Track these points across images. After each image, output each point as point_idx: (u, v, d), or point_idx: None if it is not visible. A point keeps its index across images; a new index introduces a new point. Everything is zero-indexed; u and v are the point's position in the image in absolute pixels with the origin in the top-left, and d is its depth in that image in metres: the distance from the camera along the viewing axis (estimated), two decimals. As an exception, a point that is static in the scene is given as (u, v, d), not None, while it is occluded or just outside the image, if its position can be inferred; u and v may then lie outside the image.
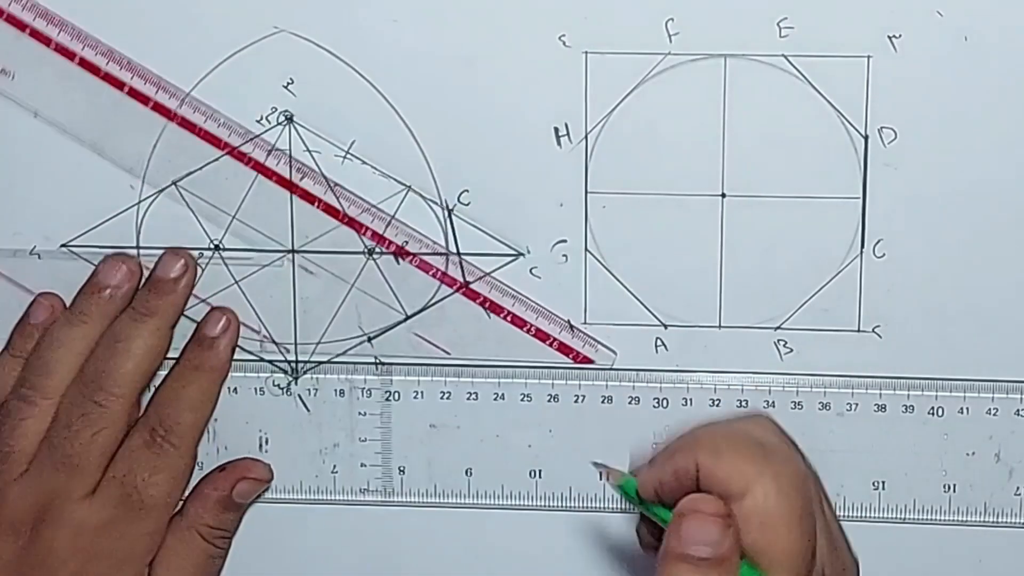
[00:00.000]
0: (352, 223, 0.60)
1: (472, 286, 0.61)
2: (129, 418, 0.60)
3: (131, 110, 0.60)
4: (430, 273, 0.61)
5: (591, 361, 0.61)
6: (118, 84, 0.60)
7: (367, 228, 0.60)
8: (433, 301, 0.61)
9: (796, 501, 0.48)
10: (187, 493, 0.62)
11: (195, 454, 0.61)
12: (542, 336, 0.61)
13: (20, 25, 0.60)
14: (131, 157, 0.61)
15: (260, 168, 0.60)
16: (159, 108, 0.60)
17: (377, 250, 0.61)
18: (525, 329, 0.61)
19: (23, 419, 0.59)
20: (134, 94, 0.60)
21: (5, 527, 0.59)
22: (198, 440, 0.61)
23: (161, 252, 0.61)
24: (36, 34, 0.60)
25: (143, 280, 0.61)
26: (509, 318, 0.61)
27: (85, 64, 0.60)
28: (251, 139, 0.60)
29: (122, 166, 0.61)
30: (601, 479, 0.60)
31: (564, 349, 0.61)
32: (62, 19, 0.60)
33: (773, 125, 0.58)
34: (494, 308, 0.61)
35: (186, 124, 0.60)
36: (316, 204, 0.60)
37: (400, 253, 0.61)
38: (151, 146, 0.60)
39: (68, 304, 0.61)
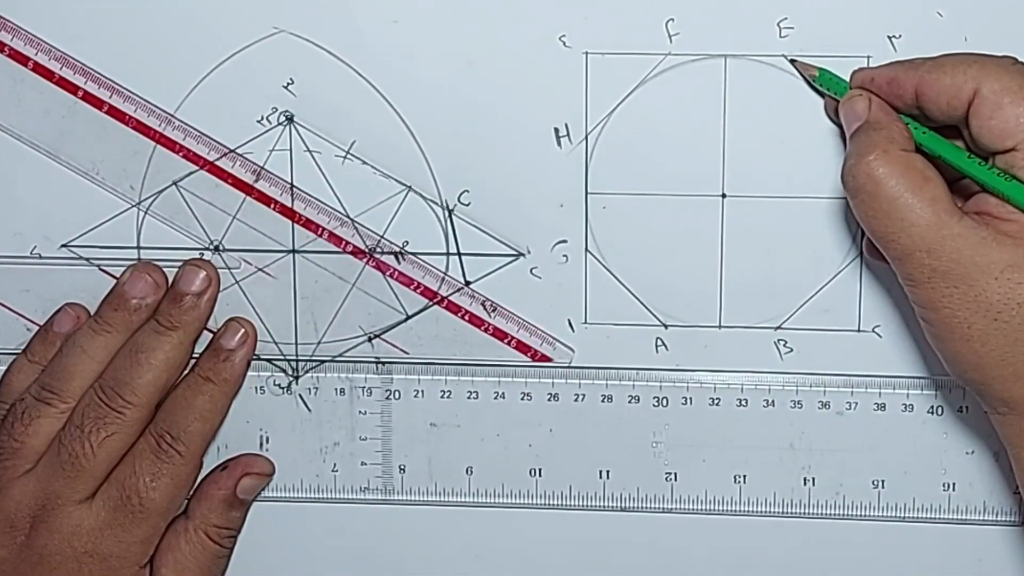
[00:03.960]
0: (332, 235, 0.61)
1: (428, 286, 0.61)
2: (142, 427, 0.60)
3: (117, 130, 0.60)
4: (387, 274, 0.61)
5: (549, 359, 0.61)
6: (97, 103, 0.60)
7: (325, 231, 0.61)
8: (418, 308, 0.61)
9: (1019, 81, 0.50)
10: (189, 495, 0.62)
11: (200, 463, 0.61)
12: (499, 335, 0.61)
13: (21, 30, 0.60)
14: (117, 174, 0.61)
15: (239, 184, 0.60)
16: (141, 128, 0.60)
17: (377, 250, 0.61)
18: (483, 328, 0.61)
19: (37, 418, 0.59)
20: (113, 112, 0.60)
21: (4, 523, 0.59)
22: (204, 449, 0.61)
23: (182, 263, 0.61)
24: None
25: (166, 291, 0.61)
26: (467, 317, 0.61)
27: (61, 81, 0.60)
28: (226, 153, 0.60)
29: (113, 185, 0.61)
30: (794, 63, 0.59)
31: (522, 347, 0.61)
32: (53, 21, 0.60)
33: (773, 125, 0.58)
34: (451, 307, 0.61)
35: (166, 141, 0.60)
36: (277, 207, 0.61)
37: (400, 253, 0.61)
38: (144, 163, 0.61)
39: (91, 313, 0.62)
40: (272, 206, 0.61)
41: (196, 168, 0.61)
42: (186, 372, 0.61)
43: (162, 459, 0.59)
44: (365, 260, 0.61)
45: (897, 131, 0.52)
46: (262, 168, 0.60)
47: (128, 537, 0.59)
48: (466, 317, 0.61)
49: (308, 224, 0.61)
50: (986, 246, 0.50)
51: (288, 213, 0.61)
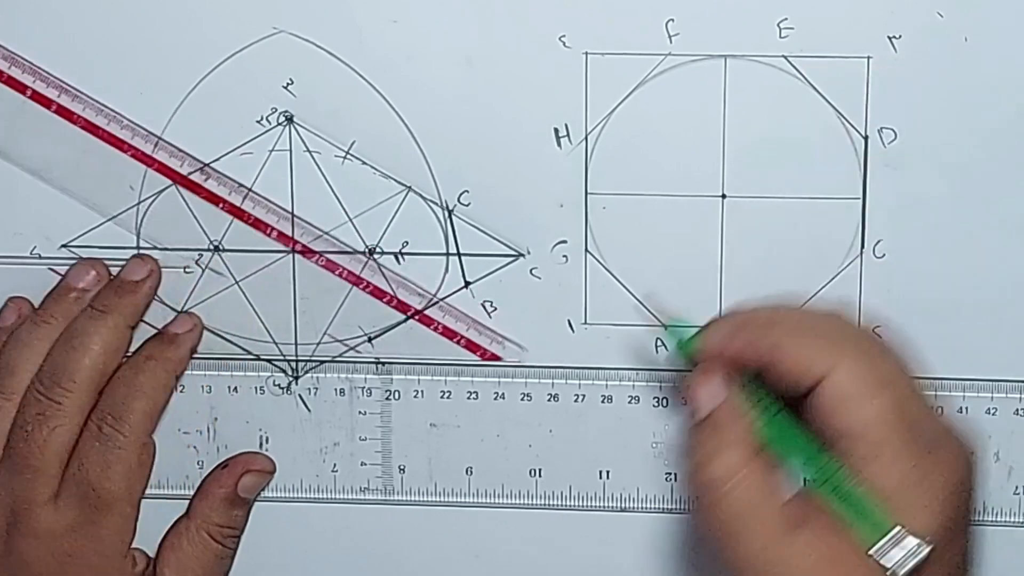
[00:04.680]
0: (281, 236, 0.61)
1: (378, 285, 0.61)
2: (87, 416, 0.59)
3: (116, 130, 0.60)
4: (336, 273, 0.61)
5: (499, 358, 0.61)
6: (93, 130, 0.60)
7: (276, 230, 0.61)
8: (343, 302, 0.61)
9: (874, 375, 0.48)
10: (192, 494, 0.62)
11: (149, 443, 0.60)
12: (449, 334, 0.61)
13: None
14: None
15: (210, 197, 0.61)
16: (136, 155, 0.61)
17: (378, 250, 0.61)
18: (432, 327, 0.61)
19: None
20: (111, 139, 0.60)
21: None
22: (151, 430, 0.60)
23: (130, 257, 0.61)
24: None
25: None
26: (416, 316, 0.61)
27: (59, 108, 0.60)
28: (201, 167, 0.60)
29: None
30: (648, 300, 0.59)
31: (472, 346, 0.61)
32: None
33: (773, 126, 0.58)
34: (401, 307, 0.61)
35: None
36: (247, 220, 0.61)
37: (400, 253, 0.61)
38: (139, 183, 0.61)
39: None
40: (269, 232, 0.61)
41: (196, 168, 0.61)
42: (127, 359, 0.61)
43: (107, 445, 0.58)
44: (365, 260, 0.61)
45: (740, 430, 0.50)
46: (250, 189, 0.60)
47: (100, 531, 0.59)
48: (438, 330, 0.61)
49: (308, 225, 0.61)
50: (816, 571, 0.48)
51: (285, 239, 0.61)
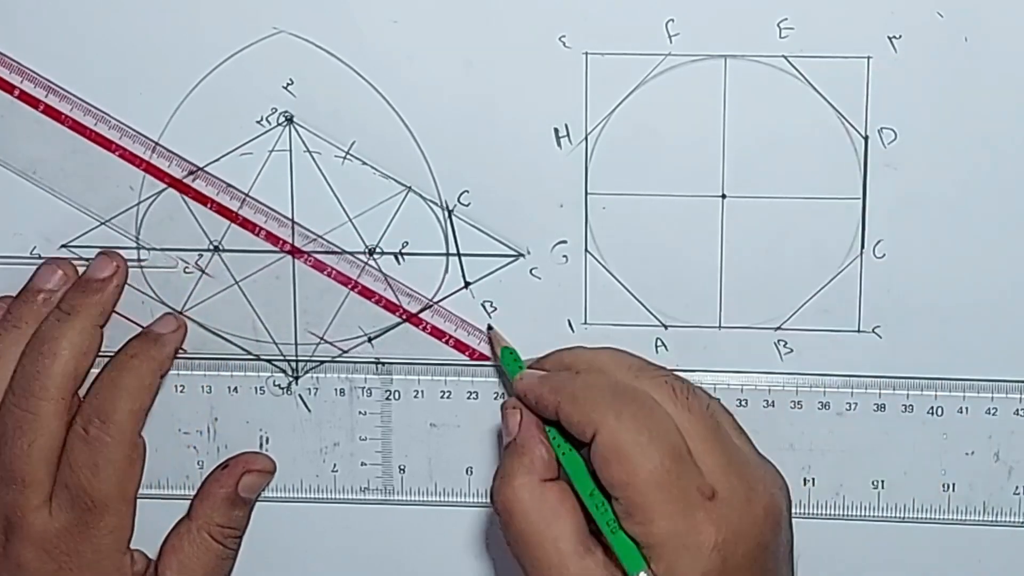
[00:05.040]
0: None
1: (367, 284, 0.61)
2: (66, 419, 0.59)
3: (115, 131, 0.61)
4: (324, 272, 0.61)
5: (487, 358, 0.61)
6: (94, 137, 0.60)
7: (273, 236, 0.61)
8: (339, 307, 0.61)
9: (644, 432, 0.50)
10: (192, 494, 0.62)
11: (137, 443, 0.60)
12: (437, 334, 0.61)
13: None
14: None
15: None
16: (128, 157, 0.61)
17: (378, 250, 0.61)
18: (421, 327, 0.61)
19: None
20: (100, 140, 0.60)
21: None
22: (138, 428, 0.60)
23: (96, 254, 0.61)
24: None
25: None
26: (404, 316, 0.61)
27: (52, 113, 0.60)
28: (195, 171, 0.60)
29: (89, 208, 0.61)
30: (489, 330, 0.61)
31: (460, 347, 0.61)
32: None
33: (773, 126, 0.58)
34: (389, 306, 0.61)
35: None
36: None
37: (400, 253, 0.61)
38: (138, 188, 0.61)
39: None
40: (265, 213, 0.61)
41: (195, 169, 0.60)
42: (108, 360, 0.60)
43: (94, 447, 0.58)
44: (363, 263, 0.61)
45: (539, 456, 0.53)
46: (260, 171, 0.60)
47: (95, 532, 0.59)
48: (403, 316, 0.61)
49: (308, 225, 0.61)
50: None
51: (287, 215, 0.61)
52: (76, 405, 0.60)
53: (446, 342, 0.61)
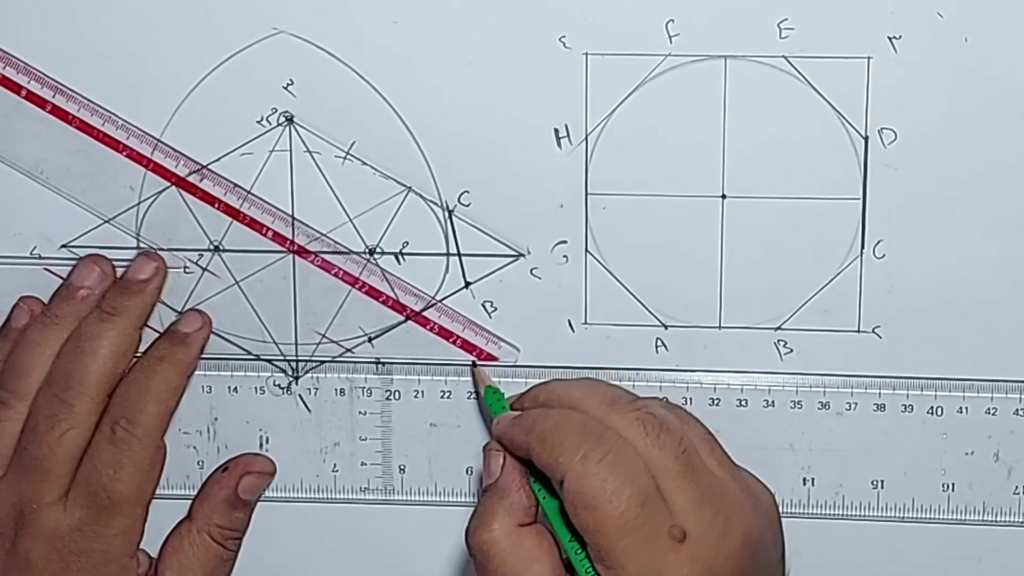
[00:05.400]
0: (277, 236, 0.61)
1: (374, 284, 0.61)
2: (97, 418, 0.59)
3: (116, 131, 0.60)
4: (336, 273, 0.61)
5: (495, 359, 0.61)
6: (89, 131, 0.60)
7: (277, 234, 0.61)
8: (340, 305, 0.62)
9: (609, 477, 0.50)
10: (192, 494, 0.62)
11: (160, 446, 0.60)
12: (445, 334, 0.61)
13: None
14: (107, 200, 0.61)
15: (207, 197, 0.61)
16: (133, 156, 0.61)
17: (378, 250, 0.61)
18: (428, 327, 0.61)
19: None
20: (107, 140, 0.60)
21: None
22: (162, 432, 0.60)
23: (136, 255, 0.61)
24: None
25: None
26: (411, 315, 0.61)
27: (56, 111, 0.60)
28: (198, 169, 0.60)
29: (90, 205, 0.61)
30: (473, 367, 0.61)
31: (467, 347, 0.61)
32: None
33: (773, 126, 0.58)
34: (396, 306, 0.61)
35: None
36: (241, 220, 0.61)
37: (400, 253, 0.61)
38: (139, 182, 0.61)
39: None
40: (269, 212, 0.61)
41: (196, 169, 0.60)
42: (137, 360, 0.61)
43: (120, 447, 0.59)
44: (365, 260, 0.61)
45: (518, 500, 0.53)
46: (260, 171, 0.60)
47: (107, 532, 0.59)
48: (434, 329, 0.61)
49: (307, 225, 0.61)
50: None
51: (288, 215, 0.61)
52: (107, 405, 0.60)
53: (453, 342, 0.61)
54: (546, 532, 0.53)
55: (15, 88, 0.60)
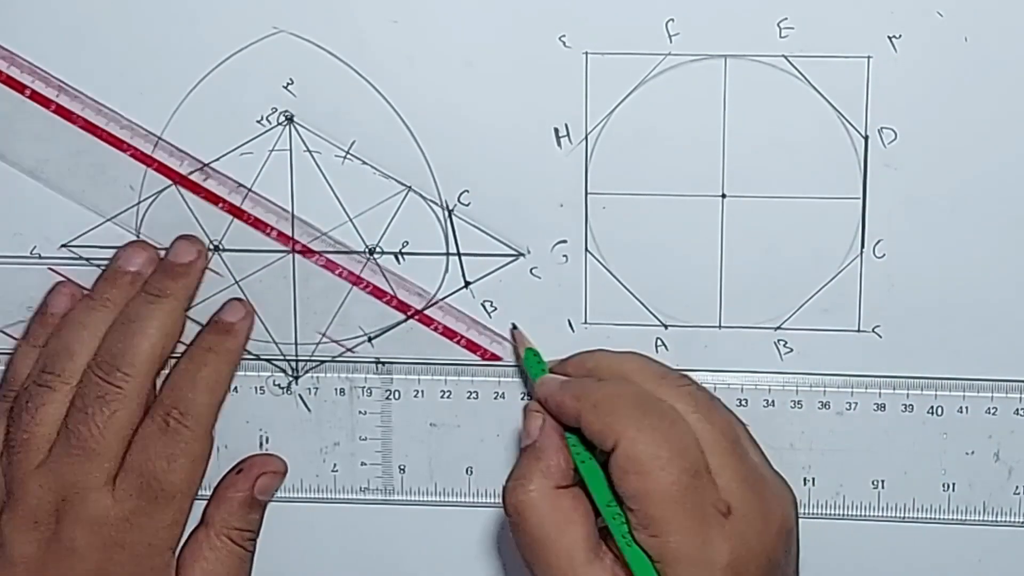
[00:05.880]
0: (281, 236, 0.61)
1: (377, 284, 0.61)
2: (145, 400, 0.59)
3: (117, 130, 0.61)
4: (336, 273, 0.61)
5: (499, 358, 0.61)
6: (92, 129, 0.61)
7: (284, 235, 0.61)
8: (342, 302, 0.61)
9: (663, 446, 0.51)
10: (207, 500, 0.62)
11: (211, 437, 0.60)
12: (449, 334, 0.61)
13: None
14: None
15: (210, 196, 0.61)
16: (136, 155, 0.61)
17: (378, 250, 0.61)
18: (432, 327, 0.61)
19: (42, 405, 0.59)
20: (110, 139, 0.60)
21: (27, 520, 0.58)
22: (213, 423, 0.60)
23: (174, 239, 0.61)
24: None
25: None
26: (416, 316, 0.61)
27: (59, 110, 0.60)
28: (205, 165, 0.60)
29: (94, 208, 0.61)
30: (513, 329, 0.61)
31: (472, 346, 0.61)
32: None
33: (773, 125, 0.58)
34: (400, 307, 0.61)
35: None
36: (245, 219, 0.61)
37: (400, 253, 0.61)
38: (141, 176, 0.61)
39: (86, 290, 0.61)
40: (269, 210, 0.61)
41: (196, 168, 0.61)
42: (184, 351, 0.61)
43: (173, 438, 0.59)
44: (365, 260, 0.61)
45: (556, 464, 0.53)
46: (260, 170, 0.60)
47: (155, 524, 0.59)
48: (439, 330, 0.61)
49: (308, 225, 0.61)
50: None
51: (284, 239, 0.61)
52: (153, 392, 0.60)
53: (457, 342, 0.61)
54: (583, 496, 0.53)
55: (19, 87, 0.60)
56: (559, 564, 0.52)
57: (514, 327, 0.61)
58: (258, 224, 0.61)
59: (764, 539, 0.52)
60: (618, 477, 0.51)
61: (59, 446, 0.58)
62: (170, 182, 0.61)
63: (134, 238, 0.61)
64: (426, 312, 0.61)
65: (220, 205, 0.61)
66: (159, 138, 0.60)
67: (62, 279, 0.62)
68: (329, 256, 0.61)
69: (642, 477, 0.51)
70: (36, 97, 0.60)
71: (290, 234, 0.61)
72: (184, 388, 0.59)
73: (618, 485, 0.51)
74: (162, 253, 0.61)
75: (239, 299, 0.61)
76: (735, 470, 0.52)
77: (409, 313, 0.61)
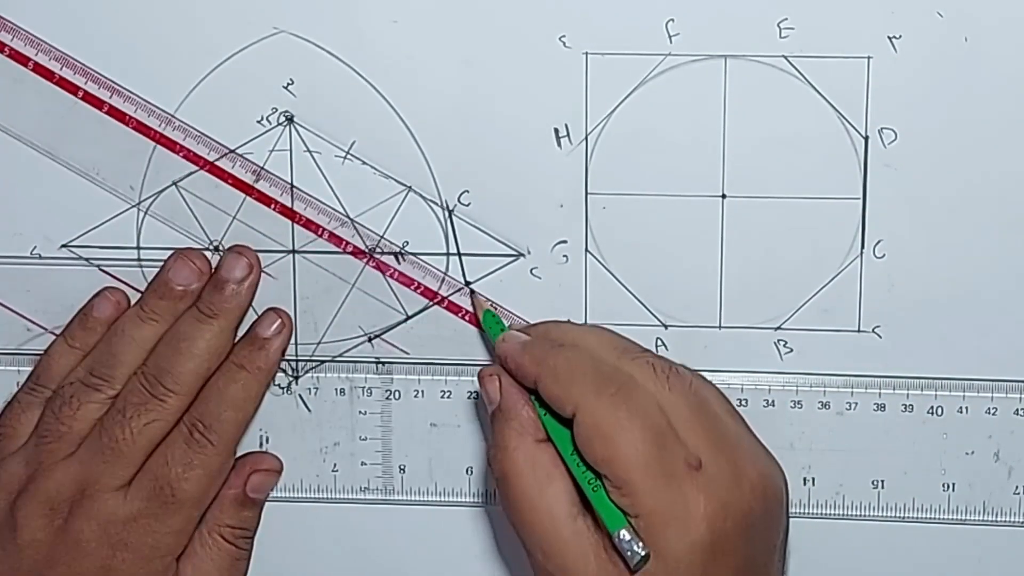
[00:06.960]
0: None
1: (428, 286, 0.61)
2: (181, 416, 0.60)
3: (118, 131, 0.60)
4: (387, 274, 0.61)
5: None
6: (97, 103, 0.60)
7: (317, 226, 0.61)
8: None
9: (623, 409, 0.51)
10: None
11: (233, 452, 0.61)
12: (472, 320, 0.61)
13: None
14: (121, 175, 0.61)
15: (239, 184, 0.61)
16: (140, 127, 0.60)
17: (378, 250, 0.61)
18: (461, 315, 0.61)
19: (85, 403, 0.59)
20: (113, 112, 0.60)
21: (44, 505, 0.59)
22: (238, 439, 0.61)
23: (226, 249, 0.61)
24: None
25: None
26: (467, 316, 0.61)
27: (57, 78, 0.60)
28: (226, 153, 0.60)
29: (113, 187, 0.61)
30: (472, 293, 0.61)
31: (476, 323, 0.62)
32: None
33: (773, 126, 0.58)
34: (451, 307, 0.61)
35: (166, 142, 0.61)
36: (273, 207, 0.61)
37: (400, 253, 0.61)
38: (144, 164, 0.61)
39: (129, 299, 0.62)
40: (272, 206, 0.61)
41: (196, 168, 0.61)
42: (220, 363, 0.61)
43: (194, 449, 0.59)
44: (365, 260, 0.61)
45: (526, 416, 0.54)
46: (262, 168, 0.60)
47: (161, 528, 0.59)
48: (466, 317, 0.61)
49: (308, 224, 0.61)
50: (586, 560, 0.52)
51: (288, 213, 0.61)
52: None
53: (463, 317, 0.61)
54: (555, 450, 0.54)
55: (72, 89, 0.61)
56: (543, 522, 0.52)
57: (472, 292, 0.61)
58: (318, 226, 0.61)
59: (738, 495, 0.51)
60: (583, 445, 0.52)
61: (90, 443, 0.59)
62: (171, 182, 0.61)
63: (134, 237, 0.61)
64: (426, 312, 0.61)
65: (273, 207, 0.61)
66: (159, 138, 0.60)
67: (110, 284, 0.62)
68: (329, 256, 0.61)
69: (606, 443, 0.51)
70: (89, 98, 0.60)
71: (291, 234, 0.61)
72: (211, 403, 0.60)
73: (585, 453, 0.52)
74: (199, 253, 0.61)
75: (276, 308, 0.62)
76: (701, 432, 0.52)
77: (436, 300, 0.61)
